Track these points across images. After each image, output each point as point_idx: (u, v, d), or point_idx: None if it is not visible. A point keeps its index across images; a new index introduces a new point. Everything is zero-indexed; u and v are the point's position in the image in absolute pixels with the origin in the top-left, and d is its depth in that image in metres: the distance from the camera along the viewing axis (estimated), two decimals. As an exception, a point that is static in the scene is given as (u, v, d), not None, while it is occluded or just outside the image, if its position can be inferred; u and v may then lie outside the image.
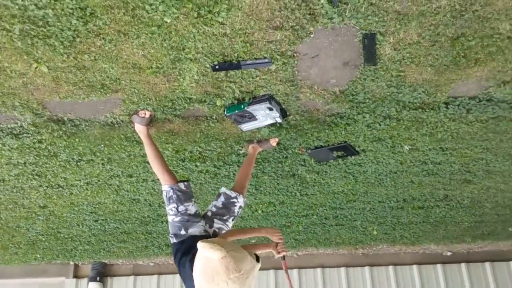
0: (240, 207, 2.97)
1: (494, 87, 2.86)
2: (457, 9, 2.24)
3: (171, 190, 2.78)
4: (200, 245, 2.00)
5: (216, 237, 2.65)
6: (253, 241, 4.92)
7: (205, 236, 2.66)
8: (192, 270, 2.13)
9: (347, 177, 4.04)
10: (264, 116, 2.94)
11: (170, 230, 2.80)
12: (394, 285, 6.20)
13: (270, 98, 2.82)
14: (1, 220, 4.71)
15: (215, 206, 2.89)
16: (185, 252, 2.53)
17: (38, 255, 5.80)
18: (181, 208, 2.76)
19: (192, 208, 2.80)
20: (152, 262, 6.28)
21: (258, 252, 2.41)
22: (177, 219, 2.75)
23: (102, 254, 5.79)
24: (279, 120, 3.01)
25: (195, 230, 2.71)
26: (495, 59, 2.58)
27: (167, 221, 4.88)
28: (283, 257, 2.66)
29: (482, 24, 2.34)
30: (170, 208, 2.78)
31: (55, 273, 6.33)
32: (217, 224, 2.82)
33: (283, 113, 3.02)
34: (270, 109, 2.86)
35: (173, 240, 2.74)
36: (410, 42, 2.44)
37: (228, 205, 2.90)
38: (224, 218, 2.87)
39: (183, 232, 2.70)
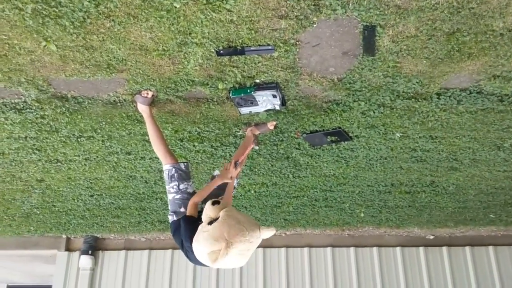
0: (234, 187, 3.09)
1: (485, 81, 2.98)
2: (454, 6, 2.33)
3: (173, 169, 2.89)
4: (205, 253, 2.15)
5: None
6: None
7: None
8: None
9: (339, 161, 4.17)
10: (265, 101, 3.03)
11: (170, 208, 2.90)
12: (377, 266, 6.40)
13: (277, 86, 2.92)
14: (-3, 192, 4.78)
15: None
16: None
17: (32, 228, 5.88)
18: (182, 186, 2.87)
19: (190, 188, 2.92)
20: (144, 237, 6.39)
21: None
22: (178, 196, 2.85)
23: (95, 228, 5.89)
24: (278, 107, 3.12)
25: None
26: (487, 54, 2.70)
27: (161, 198, 5.02)
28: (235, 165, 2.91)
29: (477, 21, 2.43)
30: (171, 186, 2.88)
31: (48, 245, 6.42)
32: None
33: (283, 102, 3.12)
34: (274, 96, 2.96)
35: (173, 218, 2.84)
36: (408, 35, 2.54)
37: (222, 186, 3.00)
38: (219, 198, 2.98)
39: (182, 209, 2.80)
